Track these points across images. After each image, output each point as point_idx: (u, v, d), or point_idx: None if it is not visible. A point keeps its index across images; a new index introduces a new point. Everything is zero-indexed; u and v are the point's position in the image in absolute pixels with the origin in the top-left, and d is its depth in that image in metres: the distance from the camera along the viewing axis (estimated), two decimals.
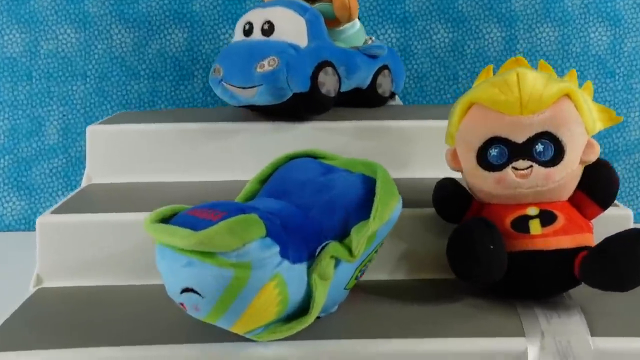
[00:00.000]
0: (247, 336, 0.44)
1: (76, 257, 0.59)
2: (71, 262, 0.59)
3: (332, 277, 0.45)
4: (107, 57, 0.99)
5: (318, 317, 0.47)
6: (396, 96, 0.88)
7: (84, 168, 0.73)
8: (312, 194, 0.48)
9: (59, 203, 0.64)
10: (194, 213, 0.44)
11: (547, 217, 0.51)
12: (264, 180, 0.55)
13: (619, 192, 0.53)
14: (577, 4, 0.98)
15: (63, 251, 0.59)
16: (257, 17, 0.71)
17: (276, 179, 0.54)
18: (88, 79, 0.99)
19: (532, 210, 0.52)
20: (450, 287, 0.56)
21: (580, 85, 0.53)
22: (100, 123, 0.75)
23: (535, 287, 0.51)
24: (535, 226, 0.51)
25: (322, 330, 0.47)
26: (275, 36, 0.69)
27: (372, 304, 0.53)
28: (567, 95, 0.50)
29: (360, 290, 0.54)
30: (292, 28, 0.70)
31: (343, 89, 0.75)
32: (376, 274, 0.58)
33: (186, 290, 0.41)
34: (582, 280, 0.49)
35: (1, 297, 0.57)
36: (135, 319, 0.51)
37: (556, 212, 0.51)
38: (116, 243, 0.58)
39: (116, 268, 0.59)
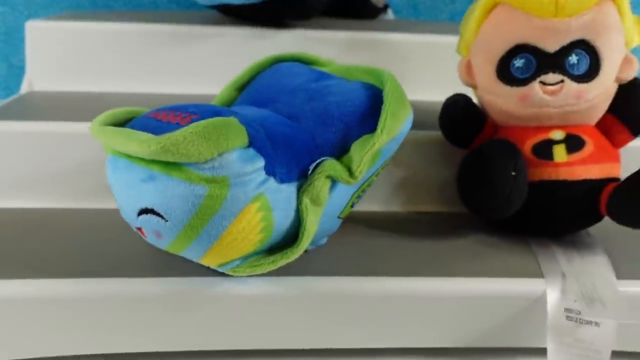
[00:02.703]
0: (221, 270, 0.36)
1: (14, 175, 0.49)
2: (7, 181, 0.49)
3: (326, 202, 0.37)
4: None
5: (305, 251, 0.39)
6: (389, 10, 0.78)
7: None
8: (304, 102, 0.39)
9: None
10: (157, 115, 0.34)
11: (574, 143, 0.44)
12: (242, 86, 0.46)
13: None
14: None
15: None
16: None
17: (258, 85, 0.44)
18: None
19: (557, 134, 0.44)
20: (454, 221, 0.49)
21: None
22: (44, 19, 0.63)
23: (555, 222, 0.44)
24: (560, 152, 0.44)
25: (309, 265, 0.40)
26: None
27: (367, 237, 0.45)
28: None
29: (353, 221, 0.47)
30: None
31: None
32: (370, 204, 0.50)
33: (145, 211, 0.32)
34: (610, 216, 0.42)
35: None
36: (83, 247, 0.42)
37: (584, 137, 0.44)
38: (62, 158, 0.49)
39: (62, 188, 0.49)
